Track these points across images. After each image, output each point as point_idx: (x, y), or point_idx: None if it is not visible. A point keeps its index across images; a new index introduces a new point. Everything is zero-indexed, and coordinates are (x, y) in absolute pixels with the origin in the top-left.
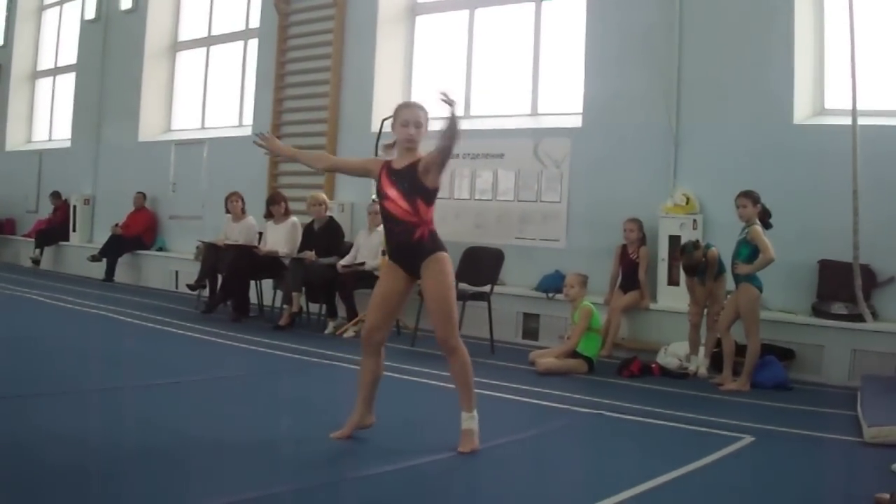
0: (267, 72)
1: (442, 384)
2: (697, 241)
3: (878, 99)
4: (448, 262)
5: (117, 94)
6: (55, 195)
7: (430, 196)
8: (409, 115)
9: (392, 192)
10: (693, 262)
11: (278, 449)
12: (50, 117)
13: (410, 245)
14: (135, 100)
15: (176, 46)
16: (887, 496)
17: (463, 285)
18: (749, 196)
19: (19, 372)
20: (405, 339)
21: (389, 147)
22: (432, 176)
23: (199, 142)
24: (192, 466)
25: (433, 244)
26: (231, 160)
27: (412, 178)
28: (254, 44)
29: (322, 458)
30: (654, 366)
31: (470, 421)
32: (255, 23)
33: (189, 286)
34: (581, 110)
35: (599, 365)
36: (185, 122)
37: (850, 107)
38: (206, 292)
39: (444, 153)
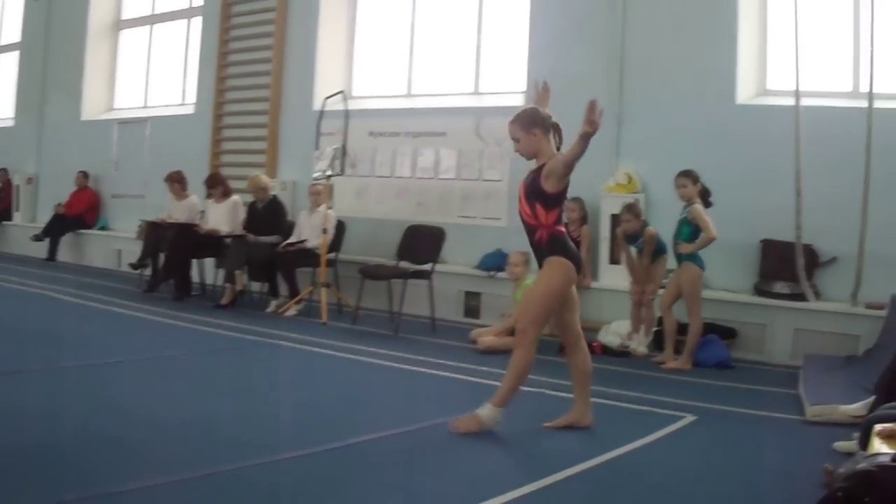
0: (210, 50)
1: (382, 362)
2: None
3: (821, 80)
4: (563, 266)
5: (60, 72)
6: (2, 171)
7: (548, 201)
8: (509, 132)
9: (520, 194)
10: (634, 211)
11: (219, 428)
12: None
13: (533, 246)
14: (78, 78)
15: (119, 24)
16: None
17: (404, 263)
18: (688, 175)
19: None
20: (347, 318)
21: None
22: (553, 181)
23: (142, 120)
24: (134, 446)
25: (551, 248)
26: (174, 138)
27: (534, 182)
28: (197, 22)
29: (262, 437)
30: (595, 344)
31: (486, 410)
32: (198, 1)
33: (131, 265)
34: (524, 89)
35: (540, 343)
36: (128, 100)
37: (792, 87)
38: (149, 271)
39: (569, 166)
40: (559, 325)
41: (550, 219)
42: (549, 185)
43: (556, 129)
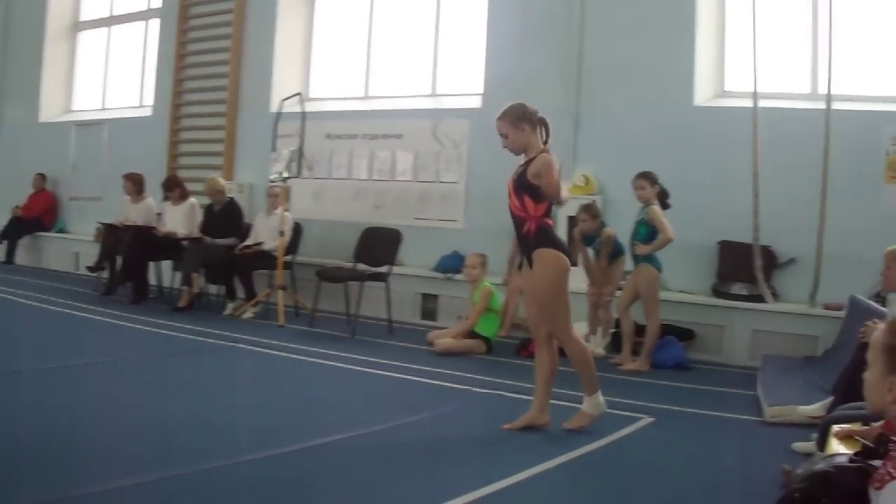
0: (167, 52)
1: (339, 365)
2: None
3: (779, 81)
4: (553, 258)
5: (18, 73)
6: None
7: (536, 193)
8: (497, 128)
9: (509, 188)
10: (591, 212)
11: (177, 431)
12: None
13: (521, 238)
14: (35, 80)
15: (77, 26)
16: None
17: (361, 265)
18: (647, 177)
19: None
20: (304, 320)
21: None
22: (537, 180)
23: (100, 122)
24: (91, 449)
25: (538, 239)
26: (131, 141)
27: (522, 176)
28: (155, 24)
29: (220, 441)
30: None
31: (587, 403)
32: (156, 2)
33: (89, 268)
34: (481, 91)
35: (497, 345)
36: (86, 102)
37: (750, 89)
38: (107, 274)
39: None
40: (532, 322)
41: (539, 210)
42: (536, 181)
43: (544, 123)
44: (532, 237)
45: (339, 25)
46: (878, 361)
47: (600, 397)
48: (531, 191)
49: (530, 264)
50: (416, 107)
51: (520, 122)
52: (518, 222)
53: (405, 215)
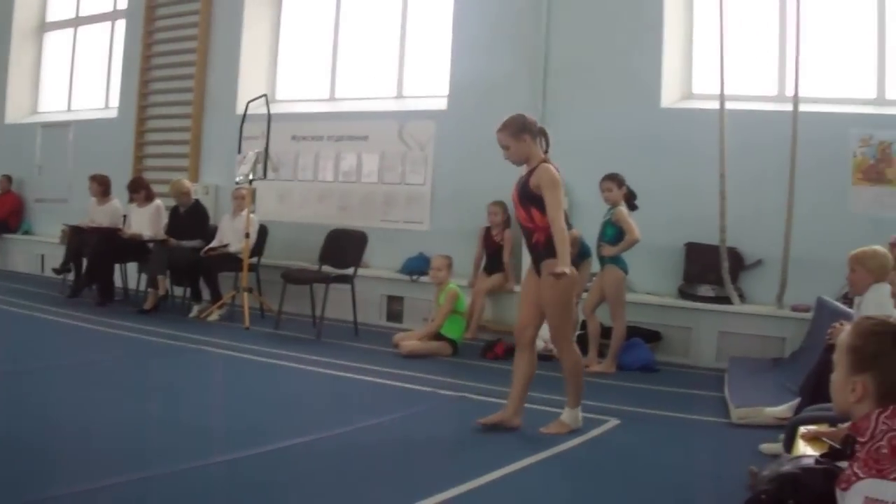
0: (133, 53)
1: (305, 367)
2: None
3: (746, 83)
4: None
5: None
6: None
7: (542, 204)
8: (498, 140)
9: (514, 199)
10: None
11: (143, 434)
12: None
13: (530, 248)
14: (1, 81)
15: (44, 27)
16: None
17: (326, 267)
18: (613, 179)
19: None
20: (269, 322)
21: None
22: (539, 191)
23: (66, 124)
24: (59, 452)
25: (549, 250)
26: (97, 143)
27: (525, 187)
28: (121, 25)
29: (186, 443)
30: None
31: (567, 413)
32: (122, 4)
33: (55, 270)
34: (447, 93)
35: (463, 347)
36: (52, 103)
37: (717, 91)
38: (72, 276)
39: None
40: (520, 325)
41: (546, 221)
42: (538, 191)
43: (544, 133)
44: (542, 248)
45: (306, 27)
46: (843, 362)
47: (580, 413)
48: (536, 202)
49: (538, 273)
50: (382, 109)
51: (521, 133)
52: (526, 233)
53: (371, 217)
